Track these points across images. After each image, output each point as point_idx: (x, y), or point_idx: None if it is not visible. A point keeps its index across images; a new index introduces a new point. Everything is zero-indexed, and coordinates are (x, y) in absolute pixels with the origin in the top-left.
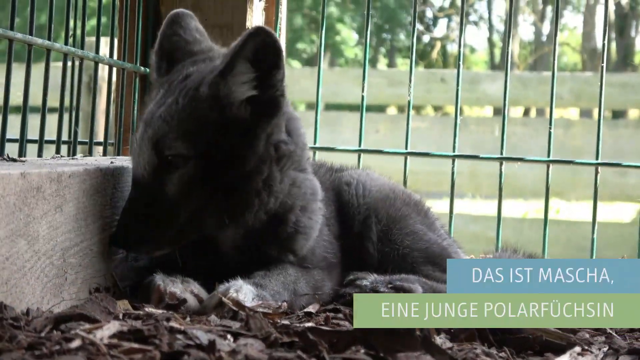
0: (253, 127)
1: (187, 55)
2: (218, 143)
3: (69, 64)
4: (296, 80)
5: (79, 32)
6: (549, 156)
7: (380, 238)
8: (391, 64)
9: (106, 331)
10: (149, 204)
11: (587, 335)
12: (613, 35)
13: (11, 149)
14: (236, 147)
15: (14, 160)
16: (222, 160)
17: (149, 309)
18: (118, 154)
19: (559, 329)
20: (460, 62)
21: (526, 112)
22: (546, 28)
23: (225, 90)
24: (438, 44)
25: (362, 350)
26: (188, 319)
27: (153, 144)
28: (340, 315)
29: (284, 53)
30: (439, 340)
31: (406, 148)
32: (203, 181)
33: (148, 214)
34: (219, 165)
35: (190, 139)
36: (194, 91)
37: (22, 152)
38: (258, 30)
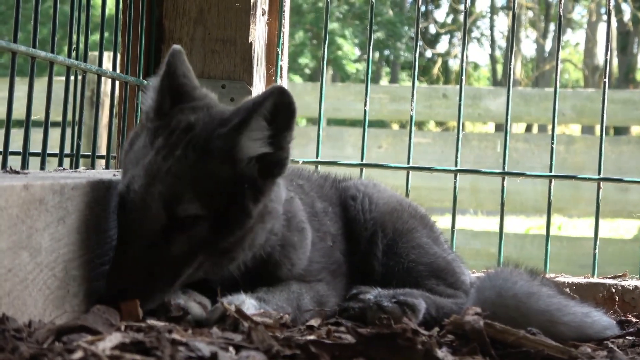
0: (259, 187)
1: (188, 100)
2: (229, 202)
3: (72, 77)
4: (298, 96)
5: (82, 45)
6: (551, 172)
7: (385, 252)
8: (393, 80)
9: (108, 343)
10: (151, 261)
11: (589, 350)
12: (615, 52)
13: (14, 162)
14: (243, 206)
15: (16, 172)
16: (229, 219)
17: (151, 321)
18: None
19: (561, 343)
20: (463, 78)
21: (528, 128)
22: (548, 45)
23: (239, 144)
24: (440, 60)
25: None
26: (190, 331)
27: (164, 202)
28: (342, 328)
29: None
30: (441, 353)
31: (408, 163)
32: (208, 241)
33: (149, 274)
34: (225, 224)
35: (204, 199)
36: (205, 144)
37: (24, 165)
38: (277, 89)
